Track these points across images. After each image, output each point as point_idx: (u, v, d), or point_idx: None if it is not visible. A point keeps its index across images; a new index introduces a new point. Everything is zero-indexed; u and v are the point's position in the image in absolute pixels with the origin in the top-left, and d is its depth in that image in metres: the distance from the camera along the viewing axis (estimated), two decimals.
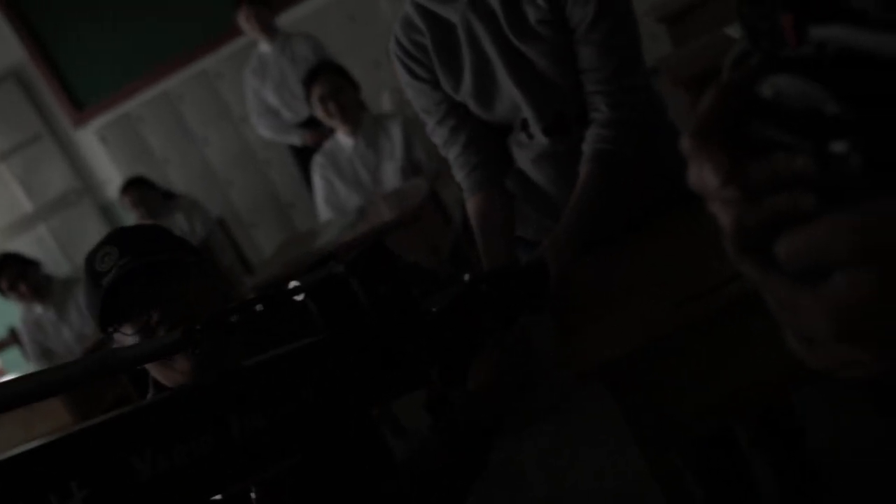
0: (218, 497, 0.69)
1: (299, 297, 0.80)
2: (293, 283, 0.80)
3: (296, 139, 4.87)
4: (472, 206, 1.75)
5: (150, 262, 1.21)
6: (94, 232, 6.00)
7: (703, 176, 0.39)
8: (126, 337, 1.21)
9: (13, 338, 5.08)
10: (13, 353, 5.22)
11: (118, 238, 1.25)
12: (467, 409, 1.07)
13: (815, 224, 0.35)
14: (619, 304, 1.47)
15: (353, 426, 0.80)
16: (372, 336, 0.81)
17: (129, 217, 5.04)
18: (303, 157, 4.61)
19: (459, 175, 1.77)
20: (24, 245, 5.68)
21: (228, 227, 5.31)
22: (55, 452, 0.60)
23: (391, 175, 3.66)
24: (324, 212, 3.80)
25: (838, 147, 0.36)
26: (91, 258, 1.23)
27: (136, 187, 4.73)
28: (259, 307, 0.78)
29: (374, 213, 3.46)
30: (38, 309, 4.37)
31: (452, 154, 1.77)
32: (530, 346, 1.08)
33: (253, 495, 0.97)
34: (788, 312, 0.37)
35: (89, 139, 6.21)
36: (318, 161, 3.77)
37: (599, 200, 1.62)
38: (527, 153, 1.75)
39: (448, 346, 0.90)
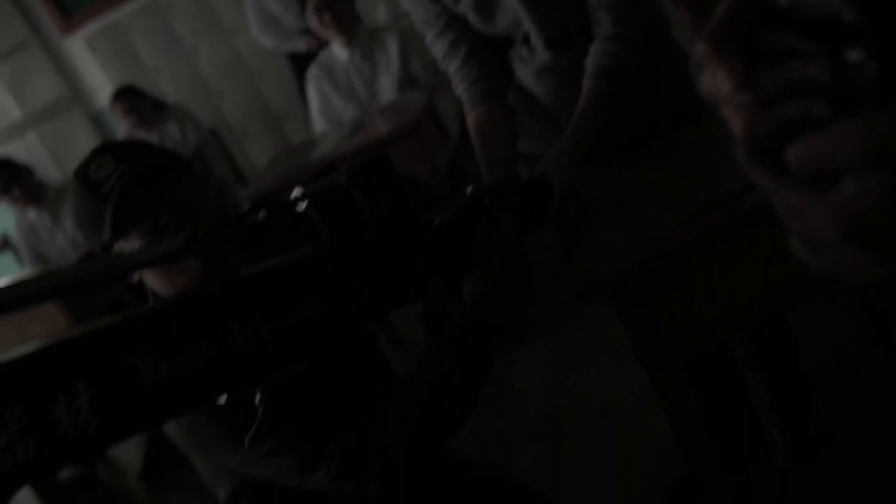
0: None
1: (302, 206, 0.80)
2: (296, 192, 0.80)
3: (300, 45, 4.77)
4: (472, 119, 1.73)
5: (148, 167, 1.21)
6: (84, 140, 5.94)
7: (716, 81, 0.39)
8: (128, 244, 1.21)
9: (5, 243, 5.09)
10: (5, 259, 5.24)
11: (110, 148, 1.24)
12: (463, 314, 1.08)
13: (827, 132, 0.35)
14: (622, 219, 1.47)
15: (356, 335, 0.81)
16: (375, 246, 0.82)
17: (120, 125, 4.99)
18: (301, 66, 4.54)
19: (459, 88, 1.74)
20: (13, 152, 5.61)
21: (221, 137, 5.26)
22: (61, 353, 0.61)
23: (387, 88, 3.61)
24: (318, 123, 3.76)
25: (853, 55, 0.36)
26: (83, 169, 1.22)
27: (127, 96, 4.68)
28: (262, 214, 0.78)
29: (370, 126, 3.43)
30: (32, 214, 4.36)
31: (452, 67, 1.74)
32: (525, 258, 1.09)
33: (258, 397, 0.99)
34: (797, 218, 0.38)
35: (78, 47, 6.09)
36: (312, 72, 3.71)
37: (603, 116, 1.59)
38: (528, 67, 1.72)
39: (450, 258, 0.91)
